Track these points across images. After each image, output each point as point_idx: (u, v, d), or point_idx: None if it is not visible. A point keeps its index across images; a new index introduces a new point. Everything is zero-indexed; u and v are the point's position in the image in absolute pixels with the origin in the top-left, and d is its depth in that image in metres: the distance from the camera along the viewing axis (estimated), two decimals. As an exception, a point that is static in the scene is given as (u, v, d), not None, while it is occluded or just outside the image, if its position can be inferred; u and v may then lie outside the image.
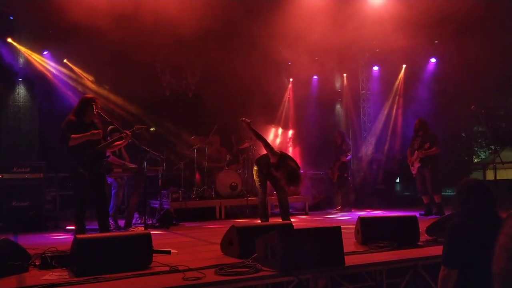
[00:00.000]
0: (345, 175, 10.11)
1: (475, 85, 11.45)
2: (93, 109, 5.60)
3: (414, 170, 8.50)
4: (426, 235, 5.06)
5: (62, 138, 5.44)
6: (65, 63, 10.41)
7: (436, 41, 11.55)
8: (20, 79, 10.09)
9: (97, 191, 5.65)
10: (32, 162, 8.21)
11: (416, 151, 8.39)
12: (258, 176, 6.77)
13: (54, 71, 10.32)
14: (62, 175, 8.56)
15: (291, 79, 12.96)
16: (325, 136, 12.09)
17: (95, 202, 5.68)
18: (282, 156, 6.29)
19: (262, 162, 6.71)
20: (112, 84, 10.62)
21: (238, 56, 10.42)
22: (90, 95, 5.99)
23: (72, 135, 5.40)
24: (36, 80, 10.12)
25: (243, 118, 6.39)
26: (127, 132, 5.93)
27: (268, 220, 6.74)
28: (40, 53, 10.20)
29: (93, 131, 5.56)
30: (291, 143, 10.85)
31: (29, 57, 10.09)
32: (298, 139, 10.96)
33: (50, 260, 3.88)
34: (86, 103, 5.67)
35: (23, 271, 3.72)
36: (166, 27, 8.94)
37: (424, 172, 8.33)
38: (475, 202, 2.72)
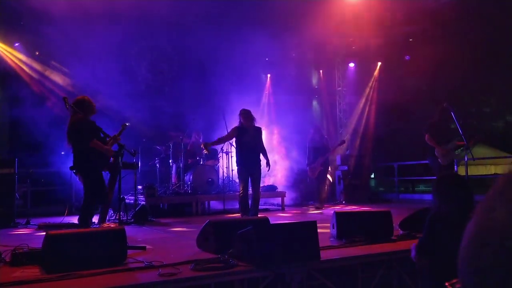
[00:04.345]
0: (325, 170, 10.11)
1: (447, 83, 11.71)
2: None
3: (445, 161, 7.03)
4: (399, 229, 5.15)
5: (84, 138, 5.36)
6: (37, 55, 10.15)
7: (411, 39, 11.74)
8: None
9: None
10: (2, 157, 8.00)
11: (452, 141, 7.16)
12: (239, 171, 6.80)
13: (25, 64, 10.05)
14: (35, 170, 8.36)
15: (268, 75, 12.96)
16: (301, 132, 12.14)
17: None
18: None
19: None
20: (86, 79, 10.40)
21: (215, 49, 10.36)
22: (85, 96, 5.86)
23: (96, 140, 5.43)
24: (6, 73, 9.83)
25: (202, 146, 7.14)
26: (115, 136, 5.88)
27: (248, 215, 6.77)
28: (11, 45, 9.91)
29: (110, 149, 5.67)
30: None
31: (-1, 49, 9.81)
32: (275, 136, 10.97)
33: (21, 257, 3.79)
34: (90, 104, 5.64)
35: (-8, 268, 3.64)
36: (141, 18, 8.82)
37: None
38: (454, 195, 2.77)
